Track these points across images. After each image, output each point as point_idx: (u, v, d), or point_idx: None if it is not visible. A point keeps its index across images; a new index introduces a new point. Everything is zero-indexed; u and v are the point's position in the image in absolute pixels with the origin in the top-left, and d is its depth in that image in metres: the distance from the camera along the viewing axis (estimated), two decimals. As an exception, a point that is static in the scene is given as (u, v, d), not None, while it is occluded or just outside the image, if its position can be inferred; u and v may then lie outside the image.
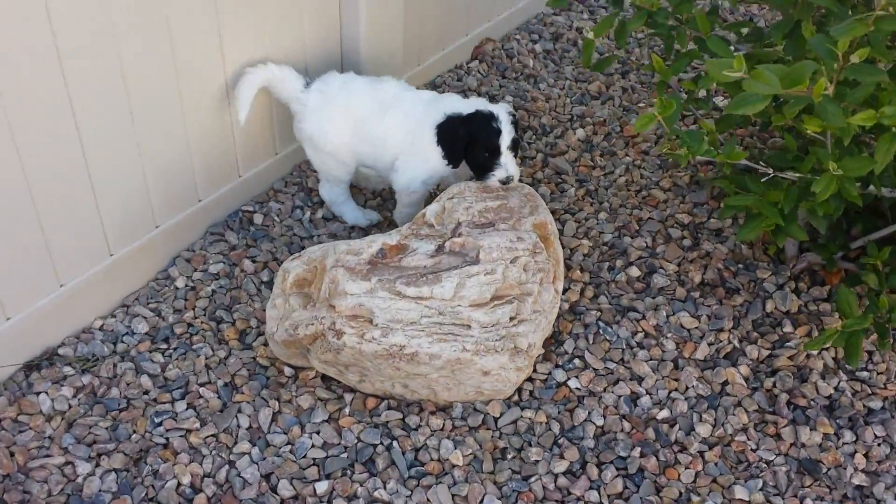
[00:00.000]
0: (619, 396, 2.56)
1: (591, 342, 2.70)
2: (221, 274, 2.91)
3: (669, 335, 2.70)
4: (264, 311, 2.74)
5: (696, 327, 2.72)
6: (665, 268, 2.91)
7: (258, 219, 3.09)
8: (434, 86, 3.78)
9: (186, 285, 2.88)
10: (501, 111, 2.67)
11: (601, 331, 2.72)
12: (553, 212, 3.08)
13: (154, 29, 2.53)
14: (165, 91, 2.67)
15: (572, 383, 2.59)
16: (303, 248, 3.00)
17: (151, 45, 2.55)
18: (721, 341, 2.68)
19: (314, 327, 2.42)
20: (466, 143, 2.65)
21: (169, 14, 2.55)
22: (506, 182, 2.66)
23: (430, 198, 2.99)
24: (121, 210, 2.69)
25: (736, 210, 2.54)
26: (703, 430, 2.47)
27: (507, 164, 2.66)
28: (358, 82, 2.88)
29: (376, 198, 3.24)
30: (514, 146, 2.69)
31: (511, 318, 2.48)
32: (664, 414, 2.51)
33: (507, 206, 2.64)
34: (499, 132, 2.63)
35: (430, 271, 2.47)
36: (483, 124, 2.63)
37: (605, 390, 2.57)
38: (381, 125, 2.79)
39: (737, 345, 2.68)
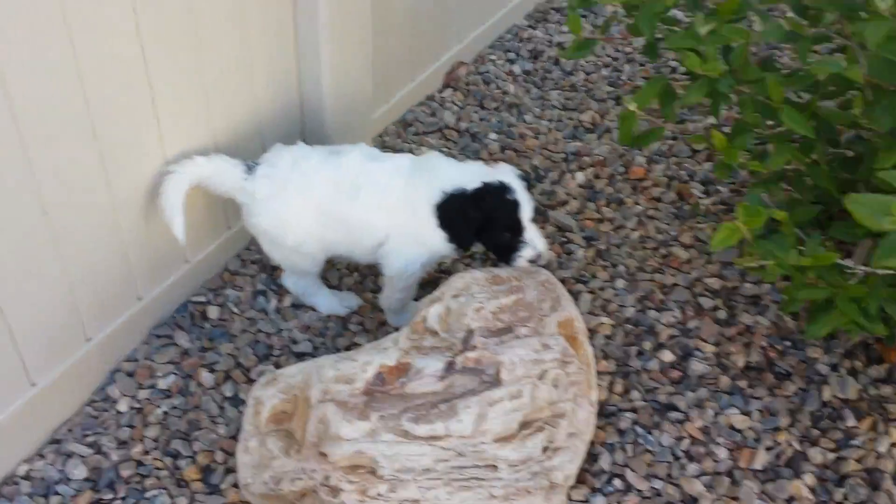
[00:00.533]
0: (672, 525, 2.13)
1: (630, 454, 2.25)
2: (174, 390, 2.39)
3: (720, 440, 2.27)
4: (231, 438, 2.25)
5: (749, 427, 2.30)
6: (702, 349, 2.48)
7: (213, 312, 2.57)
8: (405, 123, 3.27)
9: (131, 408, 2.36)
10: (511, 178, 2.25)
11: (640, 439, 2.28)
12: (562, 281, 2.61)
13: (70, 110, 1.99)
14: (89, 183, 2.13)
15: (614, 511, 2.15)
16: (270, 347, 2.50)
17: (67, 132, 2.01)
18: (779, 444, 2.26)
19: (302, 482, 1.94)
20: (479, 224, 2.23)
21: (89, 97, 2.01)
22: (534, 260, 2.29)
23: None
24: (40, 329, 2.16)
25: (802, 301, 2.10)
26: (777, 563, 2.06)
27: (534, 240, 2.27)
28: (313, 158, 2.37)
29: (352, 273, 2.73)
30: (535, 212, 2.31)
31: (544, 449, 2.02)
32: (728, 545, 2.09)
33: (524, 302, 2.16)
34: (517, 205, 2.22)
35: (441, 399, 1.99)
36: (498, 201, 2.21)
37: (654, 518, 2.14)
38: (355, 208, 2.30)
39: (797, 447, 2.26)
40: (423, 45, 3.25)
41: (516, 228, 2.23)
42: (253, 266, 2.71)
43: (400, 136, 3.22)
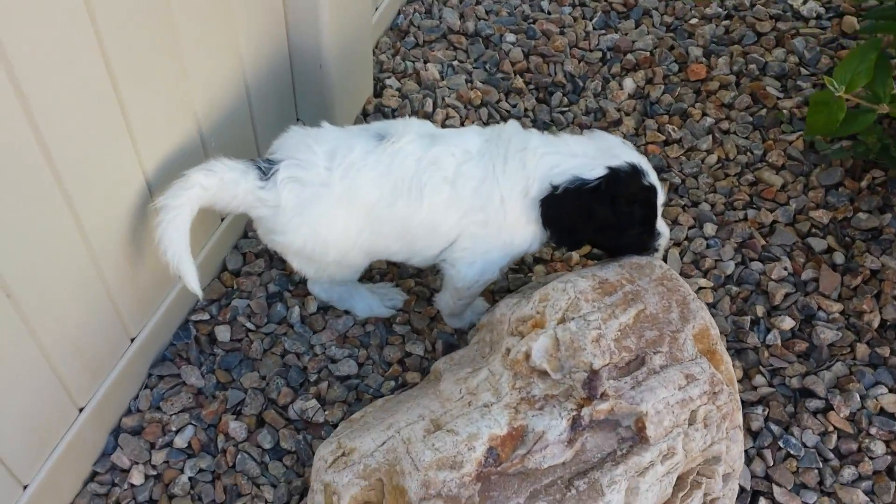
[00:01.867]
0: (838, 551, 1.78)
1: (770, 463, 1.87)
2: (195, 447, 1.90)
3: (873, 430, 1.90)
4: (288, 513, 1.80)
5: (905, 409, 1.92)
6: (826, 309, 2.06)
7: (222, 332, 2.03)
8: (400, 32, 2.63)
9: (147, 477, 1.87)
10: (635, 155, 1.75)
11: (780, 441, 1.89)
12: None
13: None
14: (52, 214, 1.53)
15: (766, 541, 1.79)
16: (304, 371, 1.99)
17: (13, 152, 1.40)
18: (946, 428, 1.90)
19: None
20: (607, 223, 1.73)
21: (36, 117, 1.38)
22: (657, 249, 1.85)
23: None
24: (21, 424, 1.63)
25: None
26: (967, 585, 1.74)
27: (663, 228, 1.82)
28: (355, 148, 1.73)
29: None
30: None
31: (701, 508, 1.62)
32: (909, 570, 1.76)
33: (649, 315, 1.69)
34: (655, 193, 1.74)
35: (574, 472, 1.55)
36: (635, 192, 1.71)
37: (814, 545, 1.79)
38: (419, 211, 1.73)
39: (969, 429, 1.91)
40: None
41: (651, 222, 1.76)
42: (258, 261, 2.15)
43: (397, 52, 2.58)
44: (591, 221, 1.71)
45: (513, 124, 1.80)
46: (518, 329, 1.72)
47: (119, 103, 1.58)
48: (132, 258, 1.79)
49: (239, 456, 1.87)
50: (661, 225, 1.80)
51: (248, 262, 2.15)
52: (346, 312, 2.07)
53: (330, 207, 1.73)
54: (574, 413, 1.58)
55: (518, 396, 1.62)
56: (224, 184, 1.72)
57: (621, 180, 1.68)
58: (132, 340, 1.90)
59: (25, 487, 1.70)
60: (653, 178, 1.72)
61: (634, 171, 1.69)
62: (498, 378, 1.66)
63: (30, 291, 1.51)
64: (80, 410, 1.80)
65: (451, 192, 1.72)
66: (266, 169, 1.74)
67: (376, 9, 2.52)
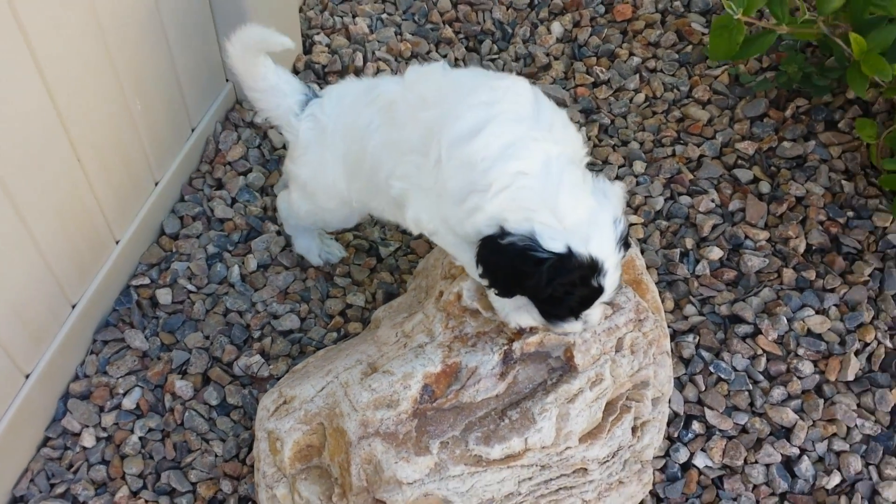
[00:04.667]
0: (768, 466, 1.85)
1: (702, 388, 1.94)
2: (143, 407, 1.93)
3: (801, 351, 1.97)
4: (235, 459, 1.87)
5: (830, 329, 1.99)
6: (753, 237, 2.12)
7: (164, 295, 2.06)
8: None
9: (98, 439, 1.90)
10: (606, 242, 1.46)
11: (710, 367, 1.96)
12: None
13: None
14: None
15: (700, 461, 1.86)
16: (247, 328, 2.02)
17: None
18: (868, 344, 1.97)
19: (363, 542, 1.56)
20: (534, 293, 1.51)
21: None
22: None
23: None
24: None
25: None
26: (892, 492, 1.82)
27: (591, 314, 1.56)
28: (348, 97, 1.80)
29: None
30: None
31: (633, 430, 1.68)
32: (835, 480, 1.84)
33: (573, 248, 1.74)
34: (598, 291, 1.49)
35: (507, 402, 1.61)
36: (574, 285, 1.46)
37: (746, 462, 1.86)
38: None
39: (888, 344, 1.98)
40: None
41: (582, 310, 1.53)
42: (196, 223, 2.17)
43: (325, 7, 2.59)
44: (521, 284, 1.49)
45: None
46: (450, 272, 1.76)
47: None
48: (65, 224, 1.81)
49: (186, 413, 1.91)
50: (593, 313, 1.56)
51: (185, 226, 2.16)
52: (286, 268, 2.10)
53: (330, 156, 1.79)
54: (505, 347, 1.63)
55: (451, 335, 1.67)
56: (276, 90, 1.82)
57: (569, 271, 1.44)
58: (73, 307, 1.92)
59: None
60: (608, 279, 1.47)
61: (590, 268, 1.44)
62: (431, 319, 1.70)
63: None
64: (27, 377, 1.82)
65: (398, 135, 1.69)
66: (309, 100, 1.83)
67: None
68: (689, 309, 2.03)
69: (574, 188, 1.46)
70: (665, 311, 2.02)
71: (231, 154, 2.25)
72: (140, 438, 1.89)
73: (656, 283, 2.06)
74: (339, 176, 1.79)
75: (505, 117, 1.48)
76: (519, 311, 1.58)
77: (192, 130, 2.21)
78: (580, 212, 1.45)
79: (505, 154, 1.44)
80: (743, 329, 2.00)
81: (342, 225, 1.98)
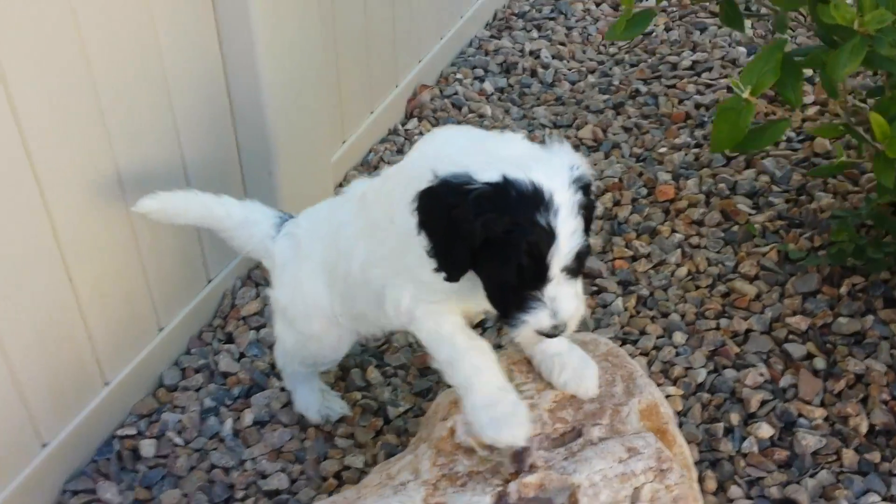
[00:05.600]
0: None
1: (751, 583, 1.62)
2: (100, 569, 1.70)
3: (868, 544, 1.65)
4: None
5: (901, 518, 1.68)
6: (808, 415, 1.86)
7: (147, 448, 1.88)
8: (370, 168, 2.64)
9: None
10: (555, 175, 1.26)
11: (760, 556, 1.65)
12: (604, 345, 1.98)
13: None
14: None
15: None
16: (231, 488, 1.82)
17: None
18: (949, 536, 1.65)
19: None
20: (478, 241, 1.27)
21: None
22: (552, 335, 1.33)
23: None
24: None
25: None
26: None
27: (559, 301, 1.29)
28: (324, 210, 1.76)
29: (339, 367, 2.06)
30: (579, 260, 1.30)
31: None
32: None
33: (587, 388, 1.53)
34: (549, 235, 1.24)
35: (498, 555, 1.34)
36: (515, 221, 1.24)
37: None
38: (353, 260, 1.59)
39: (972, 535, 1.65)
40: (377, 69, 2.63)
41: (535, 273, 1.27)
42: (197, 376, 2.03)
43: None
44: (456, 236, 1.26)
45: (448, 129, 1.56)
46: (450, 412, 1.56)
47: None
48: (46, 348, 1.69)
49: (147, 576, 1.67)
50: (563, 301, 1.29)
51: (185, 377, 2.03)
52: (284, 426, 1.92)
53: (309, 268, 1.68)
54: (499, 489, 1.39)
55: (439, 473, 1.45)
56: (247, 221, 1.75)
57: (505, 200, 1.23)
58: (44, 446, 1.76)
59: None
60: (559, 213, 1.23)
61: (533, 200, 1.22)
62: (420, 458, 1.49)
63: None
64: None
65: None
66: (284, 222, 1.75)
67: (343, 142, 2.54)
68: (735, 491, 1.75)
69: (511, 139, 1.36)
70: (707, 492, 1.75)
71: (246, 309, 2.15)
72: None
73: (697, 462, 1.80)
74: (320, 286, 1.67)
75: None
76: (508, 417, 1.37)
77: (209, 282, 2.13)
78: (519, 148, 1.31)
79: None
80: (798, 515, 1.70)
81: (333, 355, 1.81)
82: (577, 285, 1.33)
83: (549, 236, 1.23)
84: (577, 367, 1.50)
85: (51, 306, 1.69)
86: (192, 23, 1.90)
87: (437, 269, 1.32)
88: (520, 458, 1.43)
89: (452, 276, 1.32)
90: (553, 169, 1.26)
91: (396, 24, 2.69)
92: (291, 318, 1.74)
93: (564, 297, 1.29)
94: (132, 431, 1.91)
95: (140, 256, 1.88)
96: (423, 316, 1.42)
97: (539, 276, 1.27)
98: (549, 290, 1.28)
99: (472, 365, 1.42)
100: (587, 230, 1.31)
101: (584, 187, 1.29)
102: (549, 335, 1.32)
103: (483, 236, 1.24)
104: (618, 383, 1.57)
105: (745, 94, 1.58)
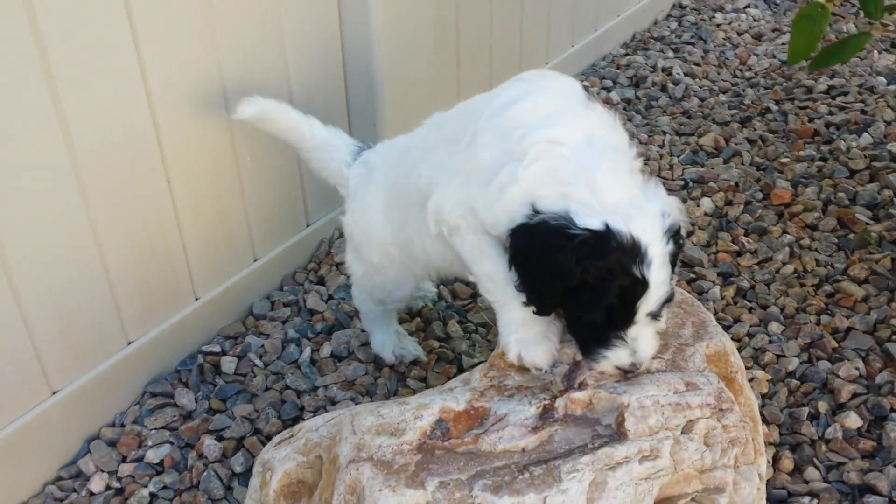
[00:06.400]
0: None
1: (817, 558, 1.51)
2: (166, 464, 1.75)
3: (953, 539, 1.51)
4: (236, 532, 1.59)
5: None
6: (902, 410, 1.74)
7: (228, 364, 1.94)
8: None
9: (108, 488, 1.72)
10: (652, 227, 1.27)
11: (829, 537, 1.53)
12: (694, 326, 1.91)
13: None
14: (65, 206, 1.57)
15: None
16: (300, 409, 1.85)
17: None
18: None
19: (322, 587, 1.26)
20: (574, 283, 1.27)
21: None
22: (630, 371, 1.36)
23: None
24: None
25: None
26: None
27: (640, 339, 1.33)
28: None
29: (413, 318, 2.08)
30: (668, 302, 1.34)
31: (694, 542, 1.31)
32: None
33: (654, 326, 1.49)
34: (642, 285, 1.27)
35: (534, 460, 1.31)
36: (612, 270, 1.25)
37: None
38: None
39: None
40: (498, 63, 2.67)
41: (623, 316, 1.30)
42: (285, 309, 2.09)
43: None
44: (553, 274, 1.27)
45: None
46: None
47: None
48: (139, 248, 1.78)
49: (205, 473, 1.71)
50: (644, 343, 1.33)
51: (274, 309, 2.09)
52: (359, 360, 1.94)
53: (373, 193, 1.72)
54: (546, 402, 1.37)
55: (488, 383, 1.43)
56: (327, 145, 1.80)
57: (606, 251, 1.23)
58: (129, 343, 1.85)
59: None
60: (653, 270, 1.26)
61: (632, 252, 1.24)
62: (473, 372, 1.48)
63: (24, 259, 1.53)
64: (54, 393, 1.72)
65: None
66: (362, 151, 1.80)
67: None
68: (812, 473, 1.65)
69: (617, 170, 1.29)
70: (783, 471, 1.66)
71: (340, 257, 2.21)
72: (150, 494, 1.71)
73: (777, 444, 1.71)
74: (379, 211, 1.69)
75: (550, 91, 1.36)
76: (535, 343, 1.35)
77: (307, 226, 2.20)
78: (622, 193, 1.26)
79: (545, 122, 1.31)
80: (874, 501, 1.57)
81: (398, 291, 1.81)
82: (657, 325, 1.35)
83: (643, 286, 1.27)
84: None
85: (149, 212, 1.78)
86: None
87: (527, 303, 1.35)
88: (570, 378, 1.39)
89: (543, 311, 1.36)
90: (649, 219, 1.27)
91: (525, 24, 2.73)
92: (357, 244, 1.78)
93: (645, 337, 1.34)
94: (216, 349, 1.98)
95: (241, 183, 1.96)
96: (466, 229, 1.41)
97: (626, 319, 1.30)
98: (632, 331, 1.32)
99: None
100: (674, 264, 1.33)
101: (675, 235, 1.31)
102: (627, 371, 1.35)
103: (580, 279, 1.26)
104: (687, 327, 1.51)
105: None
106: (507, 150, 1.32)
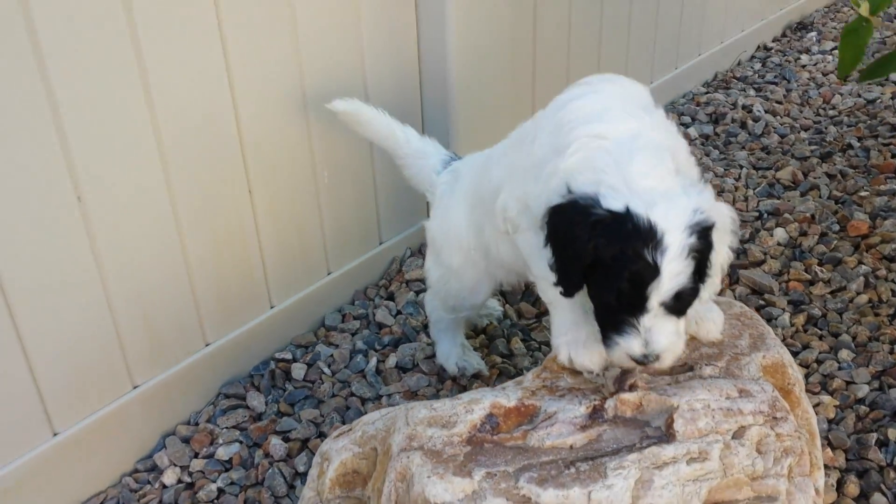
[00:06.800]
0: None
1: (877, 582, 1.46)
2: (235, 461, 1.82)
3: None
4: (296, 525, 1.64)
5: None
6: (979, 443, 1.68)
7: (298, 371, 2.01)
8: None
9: (179, 481, 1.79)
10: (676, 216, 1.25)
11: (893, 561, 1.49)
12: (761, 351, 1.89)
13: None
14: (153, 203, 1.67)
15: None
16: (363, 415, 1.89)
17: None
18: None
19: (369, 570, 1.29)
20: (588, 260, 1.30)
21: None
22: (642, 362, 1.32)
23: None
24: (69, 367, 1.67)
25: None
26: None
27: (654, 331, 1.30)
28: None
29: (478, 335, 2.12)
30: (680, 299, 1.29)
31: (743, 550, 1.30)
32: None
33: (710, 336, 1.49)
34: (653, 270, 1.25)
35: (581, 457, 1.32)
36: (623, 253, 1.25)
37: None
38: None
39: None
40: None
41: (633, 300, 1.28)
42: (355, 322, 2.15)
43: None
44: (573, 252, 1.30)
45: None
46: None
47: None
48: (220, 252, 1.87)
49: (269, 471, 1.77)
50: (660, 332, 1.30)
51: (345, 321, 2.15)
52: (423, 372, 1.98)
53: (457, 198, 1.79)
54: (596, 402, 1.38)
55: (540, 384, 1.46)
56: (421, 152, 1.90)
57: (619, 230, 1.25)
58: (206, 345, 1.93)
59: (56, 435, 1.69)
60: (667, 259, 1.24)
61: (646, 236, 1.23)
62: (526, 375, 1.50)
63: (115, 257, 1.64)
64: (135, 388, 1.81)
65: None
66: (452, 161, 1.89)
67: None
68: (879, 499, 1.61)
69: (657, 165, 1.30)
70: (848, 496, 1.63)
71: (411, 275, 2.27)
72: (218, 489, 1.77)
73: (843, 469, 1.68)
74: (462, 216, 1.75)
75: (607, 93, 1.40)
76: (585, 345, 1.37)
77: (380, 244, 2.26)
78: (654, 182, 1.27)
79: (592, 118, 1.35)
80: (946, 529, 1.53)
81: (472, 298, 1.86)
82: (680, 324, 1.33)
83: (653, 271, 1.25)
84: (699, 309, 1.47)
85: (230, 218, 1.87)
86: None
87: (556, 283, 1.37)
88: (621, 381, 1.41)
89: (568, 292, 1.37)
90: (675, 209, 1.26)
91: (604, 53, 2.78)
92: (438, 248, 1.83)
93: (660, 330, 1.30)
94: (287, 356, 2.05)
95: (318, 198, 2.05)
96: (525, 226, 1.45)
97: (637, 304, 1.29)
98: (646, 321, 1.30)
99: None
100: (701, 274, 1.31)
101: (703, 231, 1.28)
102: (640, 362, 1.33)
103: (593, 257, 1.28)
104: (744, 338, 1.51)
105: (863, 12, 1.51)
106: (556, 146, 1.36)
